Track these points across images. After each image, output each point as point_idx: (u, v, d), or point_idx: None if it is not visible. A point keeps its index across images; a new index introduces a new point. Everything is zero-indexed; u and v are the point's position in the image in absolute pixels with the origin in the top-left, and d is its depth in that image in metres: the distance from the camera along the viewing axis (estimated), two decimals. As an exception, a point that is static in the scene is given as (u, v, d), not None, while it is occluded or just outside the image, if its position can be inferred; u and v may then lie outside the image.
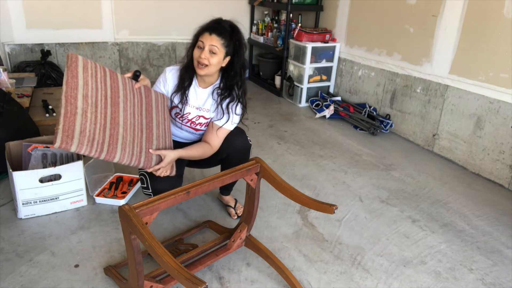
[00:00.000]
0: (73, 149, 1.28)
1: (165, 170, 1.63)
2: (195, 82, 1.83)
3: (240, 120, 1.86)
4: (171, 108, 1.87)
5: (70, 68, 1.37)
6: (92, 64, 1.46)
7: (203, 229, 1.96)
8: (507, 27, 2.45)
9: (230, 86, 1.79)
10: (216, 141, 1.81)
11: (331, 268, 1.75)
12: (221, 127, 1.79)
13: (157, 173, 1.62)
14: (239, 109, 1.81)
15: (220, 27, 1.68)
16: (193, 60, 1.73)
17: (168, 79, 1.82)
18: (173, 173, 1.70)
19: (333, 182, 2.51)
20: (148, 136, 1.61)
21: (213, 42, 1.67)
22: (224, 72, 1.80)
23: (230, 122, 1.80)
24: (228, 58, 1.74)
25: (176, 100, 1.83)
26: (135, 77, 1.65)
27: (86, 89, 1.39)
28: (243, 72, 1.79)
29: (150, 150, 1.57)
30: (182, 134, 1.95)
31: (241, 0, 4.72)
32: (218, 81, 1.83)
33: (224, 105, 1.79)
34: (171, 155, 1.62)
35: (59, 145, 1.25)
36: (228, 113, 1.79)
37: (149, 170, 1.60)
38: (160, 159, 1.62)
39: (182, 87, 1.80)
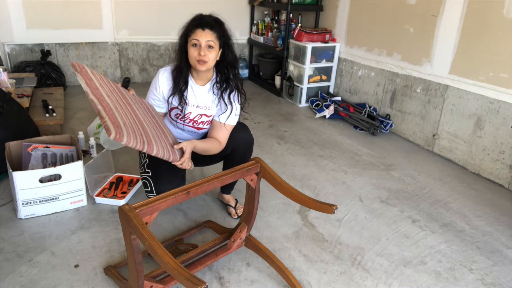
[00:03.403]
0: (124, 139, 1.26)
1: (187, 162, 1.64)
2: (191, 81, 1.83)
3: (242, 109, 1.88)
4: (170, 109, 1.87)
5: (82, 73, 1.38)
6: (95, 71, 1.49)
7: (203, 229, 1.96)
8: (507, 27, 2.45)
9: (226, 78, 1.80)
10: (223, 136, 1.83)
11: (331, 268, 1.75)
12: (226, 121, 1.81)
13: (183, 166, 1.63)
14: (240, 99, 1.84)
15: (209, 21, 1.69)
16: (187, 59, 1.73)
17: (161, 83, 1.81)
18: (192, 166, 1.72)
19: (333, 182, 2.51)
20: (163, 133, 1.64)
21: (208, 37, 1.67)
22: (218, 65, 1.80)
23: (234, 113, 1.82)
24: (220, 51, 1.74)
25: (175, 102, 1.83)
26: (126, 83, 1.68)
27: (104, 90, 1.41)
28: (236, 62, 1.81)
29: (175, 146, 1.60)
30: (184, 136, 1.95)
31: (241, 0, 4.72)
32: (214, 76, 1.83)
33: (225, 97, 1.81)
34: (190, 145, 1.65)
35: (115, 136, 1.23)
36: (231, 103, 1.81)
37: (177, 163, 1.60)
38: (182, 152, 1.64)
39: (178, 89, 1.80)
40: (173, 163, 1.60)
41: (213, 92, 1.83)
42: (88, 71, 1.42)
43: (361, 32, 3.69)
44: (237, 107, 1.83)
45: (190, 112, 1.85)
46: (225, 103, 1.80)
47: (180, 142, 1.76)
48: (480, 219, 2.19)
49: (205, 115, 1.86)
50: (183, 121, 1.88)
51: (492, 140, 2.62)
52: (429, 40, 2.99)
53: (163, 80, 1.81)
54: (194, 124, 1.88)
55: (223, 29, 1.72)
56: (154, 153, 1.44)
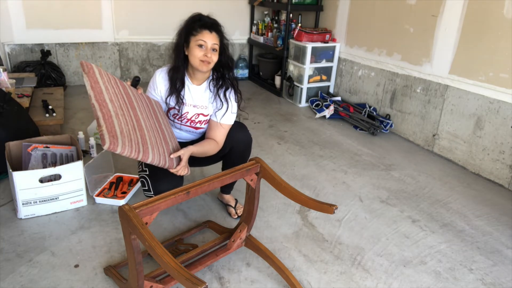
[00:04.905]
0: (119, 149, 1.29)
1: (183, 168, 1.66)
2: (188, 81, 1.84)
3: (239, 107, 1.88)
4: (168, 109, 1.88)
5: (89, 74, 1.38)
6: (104, 71, 1.49)
7: (203, 229, 1.96)
8: (507, 27, 2.45)
9: (222, 76, 1.82)
10: (220, 136, 1.83)
11: (331, 268, 1.75)
12: (222, 119, 1.82)
13: (178, 173, 1.65)
14: (235, 96, 1.86)
15: (214, 24, 1.71)
16: (185, 58, 1.74)
17: (158, 83, 1.83)
18: (189, 172, 1.73)
19: (333, 182, 2.51)
20: (164, 138, 1.65)
21: (214, 40, 1.70)
22: (215, 66, 1.81)
23: (230, 111, 1.83)
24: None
25: (172, 102, 1.84)
26: (136, 82, 1.68)
27: (108, 93, 1.42)
28: (232, 63, 1.83)
29: (171, 155, 1.61)
30: (182, 135, 1.95)
31: (241, 0, 4.72)
32: (210, 75, 1.85)
33: (221, 94, 1.82)
34: (187, 153, 1.67)
35: (108, 146, 1.26)
36: (227, 101, 1.82)
37: (173, 170, 1.62)
38: (179, 159, 1.66)
39: (175, 89, 1.81)
40: (168, 169, 1.62)
41: (210, 89, 1.84)
42: (96, 71, 1.42)
43: (361, 32, 3.69)
44: (233, 105, 1.84)
45: (187, 112, 1.86)
46: (221, 100, 1.82)
47: (181, 143, 1.77)
48: (480, 219, 2.19)
49: (202, 114, 1.87)
50: (181, 120, 1.88)
51: (492, 140, 2.62)
52: (429, 40, 2.98)
53: (160, 81, 1.83)
54: (192, 123, 1.89)
55: (222, 31, 1.75)
56: (149, 161, 1.46)
